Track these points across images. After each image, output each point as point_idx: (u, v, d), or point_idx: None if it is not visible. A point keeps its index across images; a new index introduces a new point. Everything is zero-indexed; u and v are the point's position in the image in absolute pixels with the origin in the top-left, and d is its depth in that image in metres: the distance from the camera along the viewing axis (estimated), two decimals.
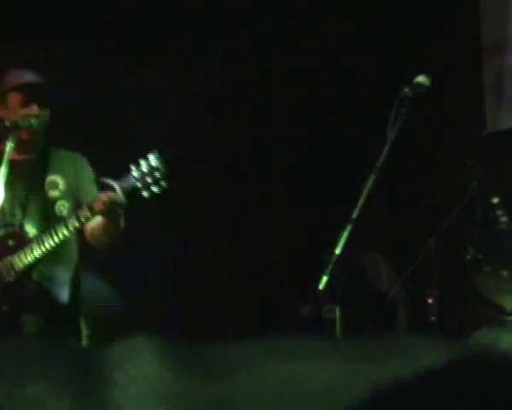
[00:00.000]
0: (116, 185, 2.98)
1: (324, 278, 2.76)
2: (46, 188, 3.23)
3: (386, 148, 2.96)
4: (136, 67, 5.49)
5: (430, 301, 4.38)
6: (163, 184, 2.99)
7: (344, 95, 5.61)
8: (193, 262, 5.75)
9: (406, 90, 3.02)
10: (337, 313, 3.25)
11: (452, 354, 0.97)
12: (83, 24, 5.27)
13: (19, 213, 3.19)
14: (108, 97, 5.42)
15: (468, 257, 4.19)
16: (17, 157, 3.24)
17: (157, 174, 2.97)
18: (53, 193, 3.23)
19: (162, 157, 3.00)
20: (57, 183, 3.24)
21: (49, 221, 3.17)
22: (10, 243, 3.14)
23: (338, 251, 2.79)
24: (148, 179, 2.97)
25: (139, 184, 2.97)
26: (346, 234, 2.81)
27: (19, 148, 3.20)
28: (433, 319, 4.37)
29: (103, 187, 3.05)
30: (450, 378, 0.94)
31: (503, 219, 4.15)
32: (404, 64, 5.06)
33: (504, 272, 4.13)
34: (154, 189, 2.99)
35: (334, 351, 0.99)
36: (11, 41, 5.05)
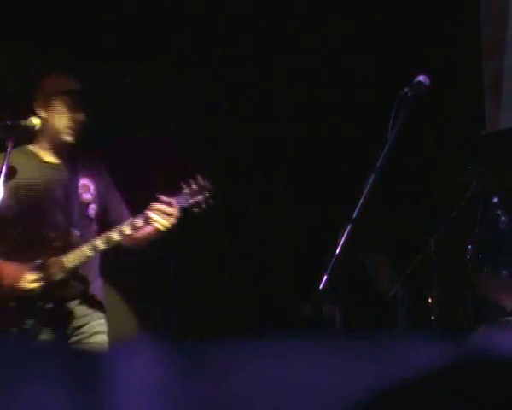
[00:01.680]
0: (174, 201, 3.32)
1: (324, 278, 2.76)
2: (80, 191, 3.39)
3: (386, 148, 2.96)
4: (136, 67, 5.49)
5: (430, 300, 4.38)
6: (210, 201, 3.36)
7: (344, 95, 5.61)
8: (193, 262, 5.75)
9: (406, 90, 3.02)
10: (337, 313, 3.25)
11: (452, 354, 0.97)
12: (83, 24, 5.27)
13: (60, 216, 3.32)
14: (108, 97, 5.42)
15: (468, 257, 4.19)
16: (54, 160, 3.41)
17: (206, 193, 3.35)
18: (86, 196, 3.41)
19: (209, 178, 3.39)
20: (89, 187, 3.43)
21: (85, 223, 3.36)
22: (57, 243, 3.28)
23: (338, 251, 2.79)
24: (199, 197, 3.34)
25: (191, 201, 3.33)
26: (346, 234, 2.81)
27: (56, 152, 3.39)
28: (433, 318, 4.37)
29: (160, 202, 3.34)
30: (450, 378, 0.94)
31: (503, 219, 4.14)
32: (404, 64, 5.06)
33: (504, 272, 4.13)
34: (203, 206, 3.35)
35: (334, 351, 0.99)
36: (11, 41, 5.05)
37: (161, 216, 3.29)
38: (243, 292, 5.68)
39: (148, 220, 3.30)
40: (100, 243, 3.27)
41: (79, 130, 3.40)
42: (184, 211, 3.36)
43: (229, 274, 5.76)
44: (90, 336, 3.34)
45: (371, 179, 2.91)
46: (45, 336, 3.22)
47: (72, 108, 3.38)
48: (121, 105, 5.39)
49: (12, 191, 3.27)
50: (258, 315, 5.50)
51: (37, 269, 3.22)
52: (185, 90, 5.76)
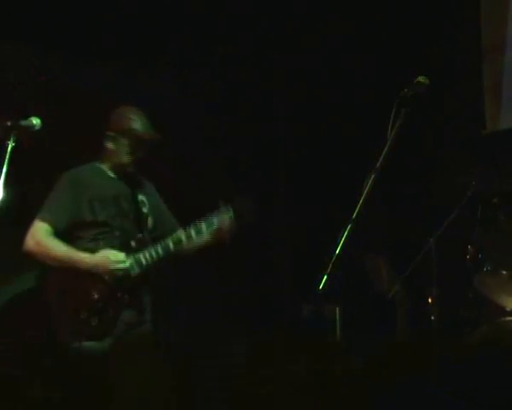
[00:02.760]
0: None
1: (324, 278, 2.76)
2: (140, 205, 3.73)
3: (386, 148, 2.96)
4: (136, 67, 5.49)
5: (430, 300, 4.38)
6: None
7: (344, 95, 5.61)
8: (193, 262, 5.75)
9: (406, 90, 3.02)
10: (337, 313, 3.26)
11: (453, 354, 0.97)
12: (83, 24, 5.27)
13: (128, 224, 3.66)
14: (108, 97, 5.43)
15: (468, 257, 4.19)
16: (117, 177, 3.72)
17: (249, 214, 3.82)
18: (145, 210, 3.75)
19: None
20: (145, 202, 3.76)
21: (147, 231, 3.69)
22: (133, 243, 3.61)
23: (338, 251, 2.79)
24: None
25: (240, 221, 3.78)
26: (346, 234, 2.81)
27: (117, 171, 3.71)
28: (433, 318, 4.37)
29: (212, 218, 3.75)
30: (450, 378, 0.95)
31: (503, 219, 4.15)
32: (404, 64, 5.07)
33: (504, 272, 4.13)
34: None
35: (334, 351, 0.99)
36: (11, 41, 5.05)
37: (223, 232, 3.76)
38: (243, 292, 5.69)
39: (212, 234, 3.77)
40: (170, 244, 3.63)
41: (138, 162, 3.73)
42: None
43: (229, 274, 5.76)
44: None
45: (371, 179, 2.91)
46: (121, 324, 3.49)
47: (137, 148, 3.69)
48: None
49: (87, 203, 3.59)
50: (258, 315, 5.50)
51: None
52: (185, 90, 5.76)
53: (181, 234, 3.68)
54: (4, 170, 3.11)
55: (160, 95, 5.62)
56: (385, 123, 3.00)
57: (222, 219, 3.75)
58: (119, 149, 3.69)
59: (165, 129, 5.61)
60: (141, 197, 3.75)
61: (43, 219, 3.53)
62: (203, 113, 5.79)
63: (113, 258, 3.51)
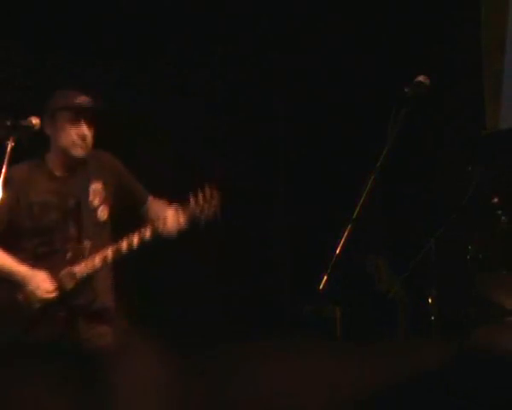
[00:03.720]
0: (180, 212, 3.41)
1: (324, 278, 2.76)
2: (91, 197, 3.43)
3: (386, 148, 2.96)
4: (136, 67, 5.49)
5: (430, 300, 4.38)
6: (217, 213, 3.43)
7: (344, 95, 5.61)
8: (193, 262, 5.75)
9: (406, 90, 3.02)
10: (337, 313, 3.25)
11: (452, 354, 0.97)
12: (83, 24, 5.27)
13: (73, 228, 3.38)
14: (108, 97, 5.42)
15: (468, 257, 4.19)
16: (63, 174, 3.43)
17: (212, 206, 3.43)
18: (96, 201, 3.44)
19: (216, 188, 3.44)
20: (99, 190, 3.45)
21: (97, 230, 3.41)
22: (69, 255, 3.34)
23: (338, 251, 2.79)
24: (205, 210, 3.42)
25: (198, 214, 3.41)
26: (346, 234, 2.81)
27: (65, 167, 3.41)
28: (433, 318, 4.37)
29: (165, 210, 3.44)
30: (450, 378, 0.95)
31: (503, 219, 4.15)
32: (404, 64, 5.07)
33: (504, 272, 4.13)
34: (210, 217, 3.43)
35: (334, 351, 0.99)
36: (11, 41, 5.05)
37: (170, 223, 3.41)
38: (243, 292, 5.69)
39: (155, 230, 3.40)
40: (109, 254, 3.35)
41: (89, 143, 3.42)
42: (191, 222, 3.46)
43: (229, 274, 5.76)
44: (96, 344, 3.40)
45: (371, 179, 2.91)
46: (57, 343, 3.29)
47: (75, 122, 3.38)
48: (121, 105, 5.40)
49: (26, 209, 3.36)
50: (258, 315, 5.50)
51: (52, 280, 3.31)
52: (185, 90, 5.76)
53: (122, 244, 3.37)
54: (4, 170, 3.11)
55: (160, 95, 5.62)
56: (385, 123, 3.00)
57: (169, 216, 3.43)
58: (56, 135, 3.39)
59: (164, 129, 5.63)
60: (93, 186, 3.45)
61: None
62: (203, 113, 5.79)
63: (40, 291, 3.25)
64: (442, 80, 3.94)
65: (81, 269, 3.32)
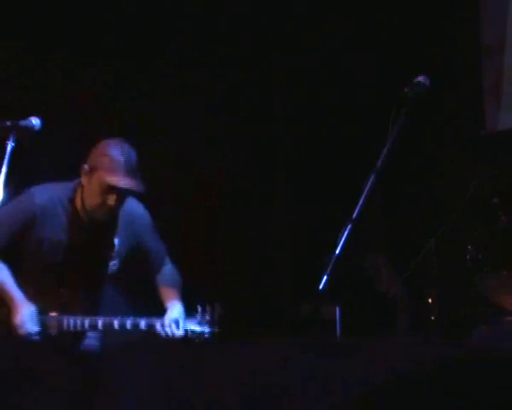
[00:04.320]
0: (181, 325, 3.34)
1: (324, 278, 2.76)
2: (104, 250, 3.40)
3: (386, 148, 2.96)
4: (136, 67, 5.49)
5: (430, 300, 4.38)
6: (212, 335, 3.34)
7: (344, 95, 5.60)
8: (193, 262, 5.74)
9: (406, 90, 3.03)
10: (337, 313, 3.25)
11: (452, 354, 0.97)
12: (83, 24, 5.27)
13: (77, 275, 3.36)
14: (108, 97, 5.42)
15: (468, 257, 4.19)
16: (85, 220, 3.36)
17: (212, 327, 3.34)
18: (108, 254, 3.41)
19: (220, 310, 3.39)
20: (113, 243, 3.41)
21: (102, 283, 3.42)
22: (64, 300, 3.33)
23: (338, 251, 2.79)
24: (205, 329, 3.33)
25: (198, 329, 3.33)
26: (346, 234, 2.81)
27: (91, 212, 3.32)
28: (433, 318, 4.37)
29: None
30: (450, 378, 0.94)
31: (503, 219, 4.15)
32: (404, 64, 5.06)
33: (504, 272, 4.13)
34: (203, 337, 3.34)
35: (334, 351, 0.99)
36: (11, 41, 5.05)
37: (164, 333, 3.33)
38: (243, 292, 5.68)
39: (150, 328, 3.36)
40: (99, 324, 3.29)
41: (114, 210, 3.34)
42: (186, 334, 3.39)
43: (229, 274, 5.76)
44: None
45: (371, 179, 2.91)
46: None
47: (108, 192, 3.28)
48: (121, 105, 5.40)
49: (36, 242, 3.34)
50: (259, 315, 5.49)
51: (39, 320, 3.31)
52: (185, 90, 5.76)
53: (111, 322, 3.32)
54: (4, 170, 3.11)
55: (160, 95, 5.62)
56: (385, 123, 3.00)
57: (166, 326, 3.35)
58: (89, 188, 3.30)
59: (165, 129, 5.63)
60: (109, 239, 3.40)
61: None
62: (203, 113, 5.78)
63: (23, 328, 3.25)
64: (442, 80, 3.94)
65: (68, 322, 3.29)
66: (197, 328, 3.33)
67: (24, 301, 3.31)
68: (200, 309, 3.37)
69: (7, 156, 3.14)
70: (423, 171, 5.43)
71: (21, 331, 3.27)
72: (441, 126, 5.39)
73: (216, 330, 3.34)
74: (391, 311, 5.06)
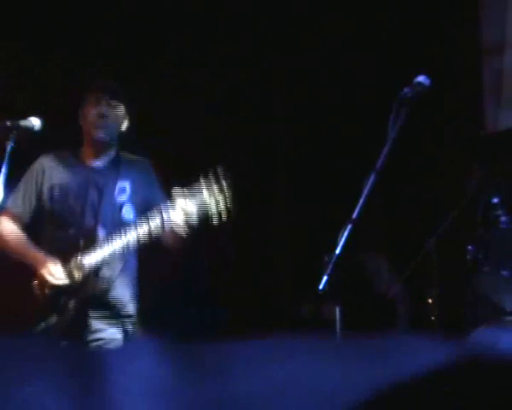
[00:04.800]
0: (193, 209, 3.24)
1: (324, 278, 2.76)
2: (116, 193, 3.44)
3: (386, 148, 2.96)
4: (135, 67, 5.49)
5: (430, 300, 4.37)
6: (229, 210, 3.34)
7: (344, 95, 5.60)
8: (193, 262, 5.74)
9: (406, 90, 3.03)
10: (337, 313, 3.24)
11: (452, 354, 0.97)
12: (83, 24, 5.27)
13: (90, 216, 3.40)
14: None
15: (468, 257, 4.19)
16: (94, 163, 3.49)
17: (225, 202, 3.34)
18: (121, 198, 3.44)
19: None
20: (125, 188, 3.46)
21: (116, 225, 3.36)
22: (82, 243, 3.32)
23: (338, 251, 2.79)
24: (219, 206, 3.30)
25: (210, 211, 3.27)
26: (346, 234, 2.81)
27: (94, 156, 3.48)
28: (433, 318, 4.37)
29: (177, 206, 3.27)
30: (450, 378, 0.94)
31: (503, 219, 4.15)
32: (404, 64, 5.06)
33: (504, 272, 4.13)
34: (214, 219, 3.29)
35: (334, 351, 0.99)
36: (11, 41, 5.05)
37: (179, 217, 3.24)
38: (243, 292, 5.68)
39: (162, 224, 3.28)
40: (117, 245, 3.28)
41: (110, 124, 3.46)
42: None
43: (229, 274, 5.76)
44: (105, 344, 3.36)
45: (371, 179, 2.91)
46: (65, 335, 3.28)
47: (95, 104, 3.45)
48: None
49: (47, 191, 3.42)
50: (259, 315, 5.49)
51: (63, 267, 3.30)
52: (185, 90, 5.76)
53: (128, 236, 3.27)
54: (4, 170, 3.11)
55: (160, 95, 5.61)
56: (385, 123, 3.00)
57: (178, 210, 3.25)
58: (82, 120, 3.51)
59: (164, 129, 5.62)
60: (121, 184, 3.47)
61: (5, 209, 3.40)
62: (203, 113, 5.78)
63: (51, 277, 3.26)
64: (442, 80, 3.94)
65: (90, 259, 3.28)
66: (207, 200, 3.26)
67: (46, 257, 3.33)
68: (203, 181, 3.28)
69: (7, 156, 3.14)
70: (423, 171, 5.43)
71: (49, 283, 3.26)
72: (441, 126, 5.39)
73: (227, 196, 3.31)
74: (391, 311, 5.06)
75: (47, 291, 3.27)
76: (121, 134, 3.58)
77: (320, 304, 4.93)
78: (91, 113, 3.45)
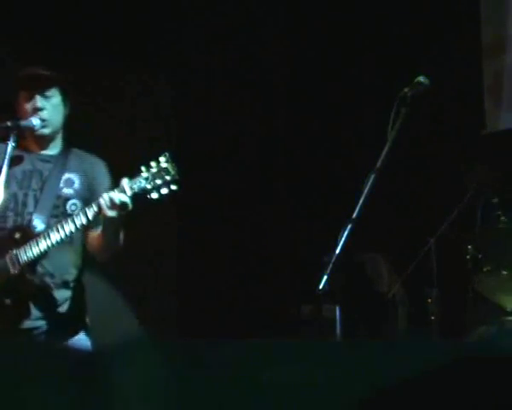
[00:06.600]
0: (126, 185, 2.98)
1: (324, 278, 2.76)
2: (62, 185, 3.26)
3: (387, 147, 2.96)
4: (136, 67, 5.49)
5: (430, 300, 4.38)
6: (173, 186, 3.02)
7: (344, 95, 5.61)
8: (193, 262, 5.75)
9: (406, 90, 3.03)
10: (337, 313, 3.25)
11: (452, 354, 0.97)
12: (82, 24, 5.27)
13: (31, 205, 3.22)
14: (108, 97, 5.43)
15: (468, 257, 4.19)
16: (39, 151, 3.30)
17: (167, 176, 3.00)
18: (67, 191, 3.26)
19: (173, 158, 3.02)
20: (73, 181, 3.27)
21: (58, 218, 3.19)
22: (17, 235, 3.15)
23: (338, 251, 2.79)
24: (158, 181, 2.99)
25: (149, 186, 2.99)
26: (346, 234, 2.81)
27: (38, 142, 3.28)
28: (433, 318, 4.37)
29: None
30: (450, 378, 0.94)
31: (503, 219, 4.15)
32: (404, 64, 5.06)
33: (504, 272, 4.13)
34: (164, 191, 3.00)
35: (334, 351, 0.99)
36: (11, 41, 5.05)
37: (110, 201, 2.98)
38: (243, 292, 5.69)
39: (99, 207, 3.02)
40: (54, 233, 3.08)
41: (48, 116, 3.24)
42: (141, 197, 3.01)
43: (229, 274, 5.76)
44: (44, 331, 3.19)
45: (371, 179, 2.92)
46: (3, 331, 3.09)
47: (29, 98, 3.24)
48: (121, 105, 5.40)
49: None
50: (259, 315, 5.50)
51: None
52: (185, 90, 5.76)
53: (66, 224, 3.06)
54: (4, 170, 3.11)
55: (160, 94, 5.62)
56: (385, 123, 3.00)
57: (109, 198, 3.00)
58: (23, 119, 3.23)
59: (164, 129, 5.63)
60: (67, 177, 3.27)
61: None
62: (203, 112, 5.79)
63: None
64: (442, 80, 3.94)
65: (25, 252, 3.10)
66: (148, 185, 2.97)
67: None
68: (144, 168, 2.99)
69: (7, 156, 3.14)
70: (423, 171, 5.43)
71: None
72: (441, 126, 5.39)
73: (173, 177, 2.99)
74: (391, 311, 5.07)
75: None
76: (67, 121, 3.36)
77: (320, 304, 4.93)
78: (25, 108, 3.24)
